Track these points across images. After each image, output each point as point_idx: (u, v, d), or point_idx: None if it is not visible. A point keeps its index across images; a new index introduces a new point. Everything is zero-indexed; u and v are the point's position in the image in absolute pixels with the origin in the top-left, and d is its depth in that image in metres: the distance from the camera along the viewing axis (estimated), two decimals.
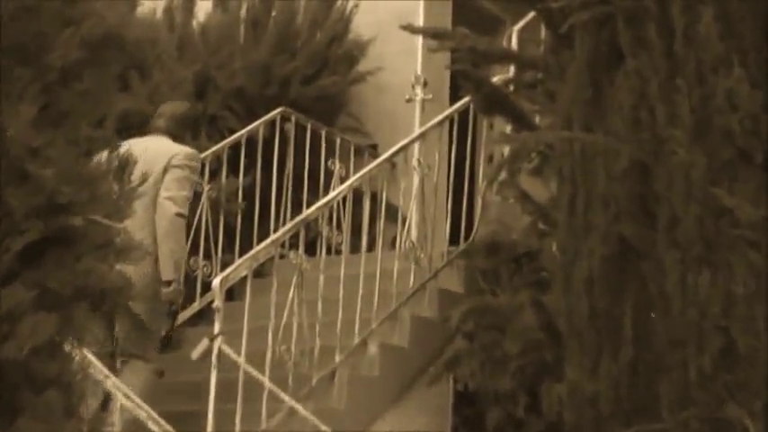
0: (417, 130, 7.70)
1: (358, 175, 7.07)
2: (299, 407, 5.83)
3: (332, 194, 6.93)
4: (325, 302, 6.45)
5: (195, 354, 5.85)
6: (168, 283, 5.91)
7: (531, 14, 6.99)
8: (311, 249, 6.65)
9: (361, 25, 8.80)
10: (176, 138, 6.24)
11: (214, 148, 7.42)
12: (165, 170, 5.98)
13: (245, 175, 7.68)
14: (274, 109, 7.92)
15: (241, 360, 5.84)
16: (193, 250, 7.01)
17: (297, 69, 8.48)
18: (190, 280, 6.87)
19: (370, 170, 7.06)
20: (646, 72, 4.94)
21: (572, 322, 5.11)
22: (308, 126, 8.01)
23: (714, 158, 4.67)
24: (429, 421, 6.90)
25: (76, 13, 3.20)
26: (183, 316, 7.02)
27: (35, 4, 3.12)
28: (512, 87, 6.48)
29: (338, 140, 8.16)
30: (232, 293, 6.91)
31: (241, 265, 6.18)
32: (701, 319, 4.60)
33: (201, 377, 5.91)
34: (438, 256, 7.37)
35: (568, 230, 5.22)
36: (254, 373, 5.86)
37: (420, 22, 8.68)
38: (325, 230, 6.83)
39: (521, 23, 7.78)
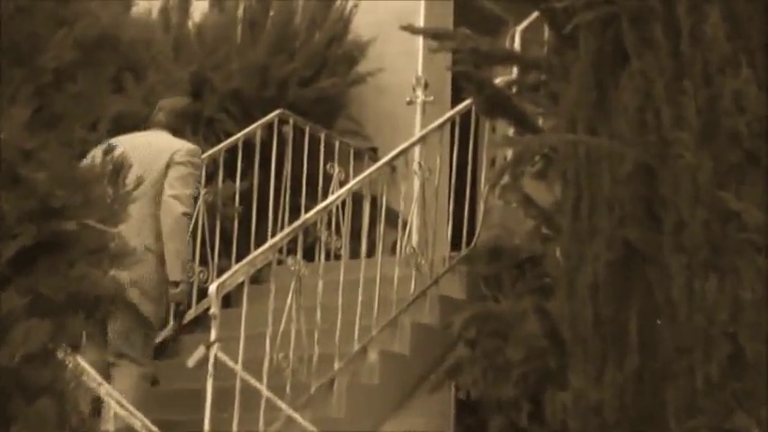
0: (418, 133, 7.70)
1: (357, 178, 7.07)
2: (296, 415, 5.82)
3: (331, 198, 6.94)
4: (323, 309, 6.45)
5: (191, 361, 5.85)
6: (176, 284, 5.94)
7: (535, 15, 7.00)
8: (310, 255, 6.65)
9: (361, 25, 8.81)
10: (176, 132, 6.26)
11: (211, 151, 7.42)
12: (168, 166, 5.99)
13: (242, 179, 7.68)
14: (272, 111, 7.92)
15: (238, 368, 5.84)
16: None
17: (295, 71, 8.48)
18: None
19: (370, 174, 7.06)
20: (651, 73, 4.94)
21: (576, 329, 5.11)
22: (307, 128, 8.02)
23: (721, 161, 4.68)
24: (430, 430, 6.90)
25: (70, 13, 3.20)
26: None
27: (28, 5, 3.12)
28: (514, 89, 6.48)
29: (337, 143, 8.16)
30: (229, 300, 6.91)
31: (238, 271, 6.18)
32: (708, 325, 4.60)
33: (198, 385, 5.90)
34: (439, 261, 7.38)
35: (572, 235, 5.22)
36: (252, 380, 5.86)
37: (421, 22, 8.69)
38: (323, 235, 6.83)
39: (524, 24, 7.80)
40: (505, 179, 6.29)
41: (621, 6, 5.13)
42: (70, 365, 3.14)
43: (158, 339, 6.65)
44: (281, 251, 6.58)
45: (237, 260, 6.79)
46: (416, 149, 7.44)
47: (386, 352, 6.84)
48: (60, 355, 3.11)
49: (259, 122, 7.79)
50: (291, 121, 7.95)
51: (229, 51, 8.44)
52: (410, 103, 8.36)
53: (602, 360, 4.98)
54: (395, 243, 7.41)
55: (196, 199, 6.81)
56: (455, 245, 7.58)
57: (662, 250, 4.83)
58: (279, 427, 5.93)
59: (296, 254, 6.31)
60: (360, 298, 6.64)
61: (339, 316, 6.50)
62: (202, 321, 6.82)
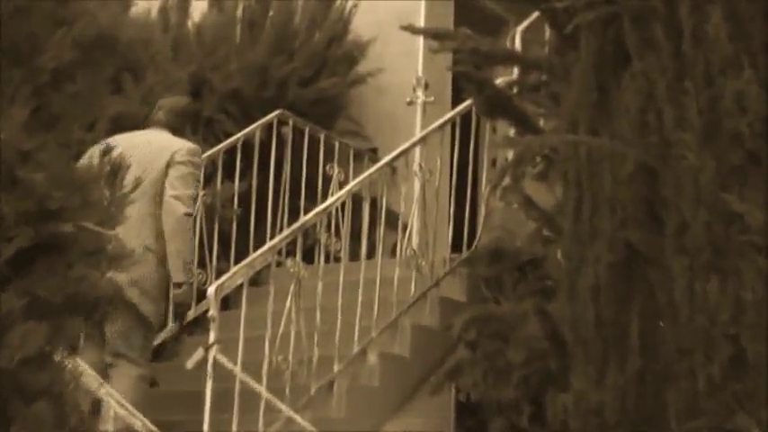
0: (418, 134, 7.71)
1: (357, 180, 7.07)
2: (296, 417, 5.83)
3: (330, 200, 6.94)
4: (323, 311, 6.46)
5: (190, 363, 5.85)
6: (179, 285, 5.95)
7: (535, 15, 7.00)
8: (309, 257, 6.65)
9: (361, 25, 8.81)
10: (176, 131, 6.27)
11: (209, 152, 7.42)
12: (168, 165, 6.00)
13: (240, 180, 7.69)
14: (271, 112, 7.92)
15: (237, 370, 5.84)
16: None
17: (294, 71, 8.49)
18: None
19: (370, 175, 7.06)
20: (653, 74, 4.95)
21: (577, 331, 5.12)
22: (306, 129, 8.02)
23: (723, 162, 4.68)
24: None
25: (68, 13, 3.21)
26: (177, 325, 7.04)
27: (26, 5, 3.12)
28: (515, 89, 6.48)
29: (337, 144, 8.17)
30: (228, 302, 6.91)
31: (237, 273, 6.19)
32: (710, 326, 4.60)
33: (197, 387, 5.90)
34: (440, 263, 7.38)
35: (574, 237, 5.23)
36: (251, 382, 5.87)
37: (421, 22, 8.70)
38: (323, 237, 6.83)
39: (524, 24, 7.80)
40: (506, 180, 6.29)
41: (623, 6, 5.13)
42: (69, 367, 3.14)
43: (158, 341, 6.67)
44: (280, 253, 6.59)
45: (236, 262, 6.79)
46: (417, 150, 7.44)
47: (386, 354, 6.85)
48: (58, 357, 3.12)
49: (258, 123, 7.80)
50: (291, 121, 7.95)
51: (228, 51, 8.45)
52: (410, 103, 8.37)
53: (604, 362, 4.99)
54: (395, 245, 7.41)
55: (195, 199, 6.82)
56: (456, 246, 7.59)
57: (663, 252, 4.84)
58: (278, 429, 5.94)
59: (295, 256, 6.31)
60: (359, 300, 6.65)
61: (339, 318, 6.50)
62: (201, 323, 6.83)
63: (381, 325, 6.80)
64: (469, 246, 7.53)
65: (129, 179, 3.38)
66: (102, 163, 3.28)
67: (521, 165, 6.06)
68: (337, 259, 7.32)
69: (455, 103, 8.19)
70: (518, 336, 5.90)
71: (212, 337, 5.80)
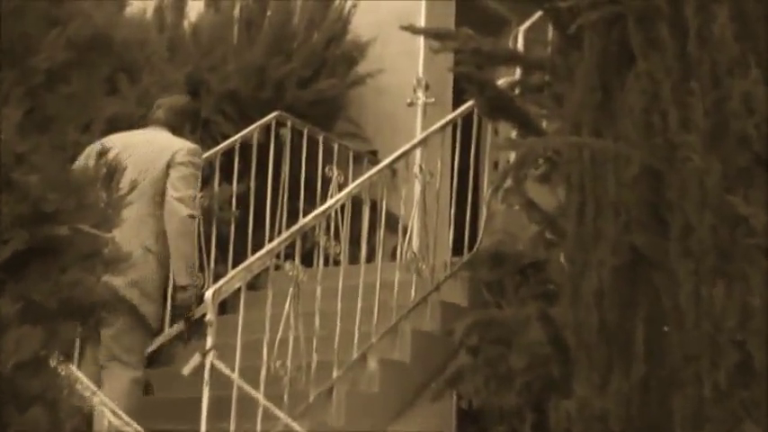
0: (419, 136, 7.71)
1: (357, 182, 7.07)
2: (294, 425, 5.82)
3: (329, 203, 6.94)
4: (322, 316, 6.46)
5: (186, 369, 5.85)
6: (184, 288, 5.95)
7: (538, 14, 7.00)
8: (308, 260, 6.65)
9: (361, 25, 8.82)
10: (174, 130, 6.27)
11: (206, 154, 7.40)
12: (169, 166, 6.00)
13: (238, 183, 7.69)
14: (269, 113, 7.93)
15: (235, 376, 5.84)
16: None
17: (293, 71, 8.49)
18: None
19: (370, 177, 7.07)
20: (658, 74, 4.95)
21: (581, 336, 5.11)
22: (305, 131, 8.02)
23: (729, 165, 4.68)
24: None
25: (63, 13, 3.21)
26: (174, 330, 7.03)
27: (20, 5, 3.12)
28: (517, 90, 6.49)
29: (336, 146, 8.17)
30: (225, 306, 6.92)
31: (234, 277, 6.19)
32: (716, 332, 4.60)
33: (193, 394, 5.90)
34: (440, 267, 7.38)
35: (577, 240, 5.23)
36: (249, 389, 5.86)
37: (422, 22, 8.70)
38: (322, 240, 6.84)
39: (527, 24, 7.80)
40: (508, 183, 6.29)
41: (627, 6, 5.13)
42: (63, 373, 3.14)
43: (154, 346, 6.67)
44: (278, 256, 6.59)
45: (234, 266, 6.79)
46: (417, 152, 7.45)
47: (386, 359, 6.85)
48: (53, 362, 3.11)
49: (256, 124, 7.80)
50: (289, 123, 7.96)
51: (226, 52, 8.45)
52: (411, 104, 8.37)
53: (608, 368, 4.98)
54: (395, 248, 7.42)
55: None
56: (457, 250, 7.59)
57: (668, 256, 4.83)
58: None
59: (294, 259, 6.32)
60: (359, 304, 6.65)
61: (338, 323, 6.50)
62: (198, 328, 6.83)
63: (381, 330, 6.81)
64: (471, 249, 7.53)
65: (126, 180, 3.38)
66: (98, 165, 3.28)
67: (523, 167, 6.06)
68: (337, 263, 7.32)
69: (456, 104, 8.19)
70: (520, 341, 5.90)
71: (209, 342, 5.80)
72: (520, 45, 7.76)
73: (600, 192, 5.14)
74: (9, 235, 3.04)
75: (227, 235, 7.51)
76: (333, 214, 7.02)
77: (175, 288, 6.09)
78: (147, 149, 6.00)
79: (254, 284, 6.90)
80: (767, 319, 4.51)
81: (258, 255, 6.36)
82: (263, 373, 6.04)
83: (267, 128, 7.87)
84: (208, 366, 5.76)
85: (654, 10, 4.99)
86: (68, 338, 3.17)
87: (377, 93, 8.89)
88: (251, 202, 7.71)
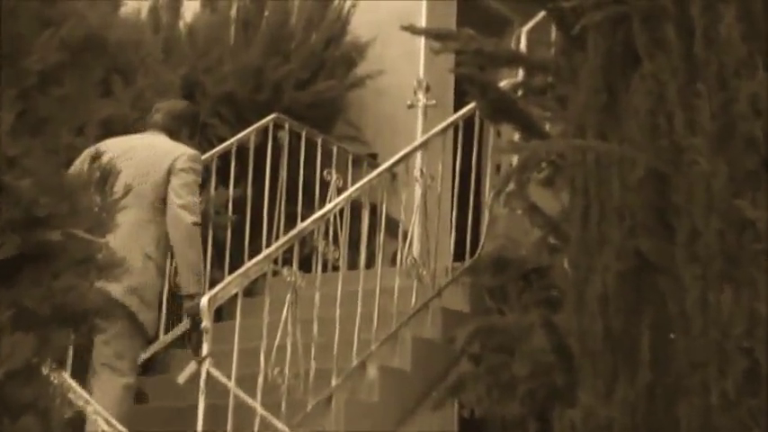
0: (419, 138, 7.71)
1: (356, 186, 7.08)
2: None
3: (328, 207, 6.94)
4: (320, 322, 6.46)
5: (182, 377, 5.85)
6: (191, 297, 5.94)
7: (541, 14, 7.01)
8: (306, 265, 6.65)
9: (360, 26, 8.83)
10: (173, 134, 6.27)
11: (203, 157, 7.42)
12: (170, 172, 5.99)
13: (235, 187, 7.69)
14: (267, 115, 7.93)
15: (231, 384, 5.84)
16: None
17: (291, 73, 8.50)
18: (176, 299, 6.87)
19: (370, 181, 7.07)
20: (663, 76, 4.95)
21: (585, 343, 5.11)
22: (303, 134, 8.03)
23: (736, 168, 4.68)
24: None
25: (56, 13, 3.21)
26: (169, 338, 7.04)
27: (12, 5, 3.12)
28: (520, 92, 6.49)
29: (335, 149, 8.18)
30: (221, 313, 6.91)
31: (231, 283, 6.19)
32: (724, 339, 4.60)
33: (189, 402, 5.90)
34: (442, 272, 7.38)
35: (581, 245, 5.23)
36: (245, 397, 5.87)
37: (422, 22, 8.71)
38: (321, 245, 6.84)
39: (530, 24, 7.81)
40: (511, 186, 6.29)
41: (632, 6, 5.13)
42: (55, 381, 3.14)
43: (148, 354, 6.67)
44: (276, 262, 6.60)
45: (231, 271, 6.78)
46: (418, 155, 7.45)
47: (386, 367, 6.85)
48: (45, 370, 3.11)
49: (253, 127, 7.80)
50: (287, 125, 7.96)
51: (222, 53, 8.46)
52: (411, 106, 8.37)
53: (613, 376, 4.98)
54: (395, 253, 7.42)
55: None
56: (458, 255, 7.59)
57: (675, 261, 4.83)
58: None
59: (292, 264, 6.32)
60: (359, 311, 6.65)
61: (337, 329, 6.50)
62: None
63: (381, 337, 6.81)
64: (472, 254, 7.53)
65: (120, 184, 3.38)
66: (91, 169, 3.28)
67: (526, 170, 6.06)
68: (335, 268, 7.33)
69: (457, 106, 8.20)
70: (523, 348, 5.89)
71: (205, 349, 5.80)
72: (522, 46, 7.77)
73: (604, 196, 5.14)
74: (1, 240, 3.04)
75: (223, 240, 7.52)
76: (332, 219, 7.03)
77: (172, 295, 6.08)
78: (149, 153, 6.00)
79: (252, 290, 6.90)
80: None
81: (255, 260, 6.36)
82: (261, 381, 6.04)
83: (264, 130, 7.87)
84: (204, 374, 5.76)
85: (659, 10, 4.99)
86: (61, 345, 3.17)
87: (376, 94, 8.90)
88: (248, 207, 7.71)
